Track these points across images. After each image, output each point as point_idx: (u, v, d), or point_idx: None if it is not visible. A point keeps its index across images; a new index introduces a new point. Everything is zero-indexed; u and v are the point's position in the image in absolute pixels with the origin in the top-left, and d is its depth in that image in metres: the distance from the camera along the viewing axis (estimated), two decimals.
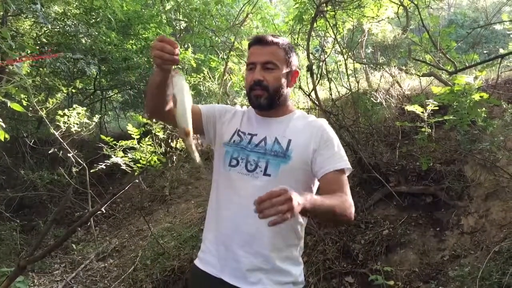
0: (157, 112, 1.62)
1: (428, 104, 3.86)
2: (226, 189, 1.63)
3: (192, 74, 7.17)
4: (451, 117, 3.58)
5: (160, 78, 1.44)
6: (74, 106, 5.14)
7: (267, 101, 1.58)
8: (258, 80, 1.55)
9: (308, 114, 1.74)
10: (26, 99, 4.96)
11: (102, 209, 3.12)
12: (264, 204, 1.14)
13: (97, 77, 8.63)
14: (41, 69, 7.03)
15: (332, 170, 1.53)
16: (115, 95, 10.65)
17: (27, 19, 7.24)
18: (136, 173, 4.30)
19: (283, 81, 1.60)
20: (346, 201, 1.48)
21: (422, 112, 3.98)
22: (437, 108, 3.88)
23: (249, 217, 1.49)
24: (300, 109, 1.81)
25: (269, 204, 1.13)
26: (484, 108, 3.64)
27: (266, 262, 1.53)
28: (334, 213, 1.41)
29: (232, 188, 1.60)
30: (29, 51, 4.18)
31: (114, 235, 5.85)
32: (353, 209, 1.49)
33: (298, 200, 1.19)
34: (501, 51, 5.55)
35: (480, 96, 3.38)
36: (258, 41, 1.60)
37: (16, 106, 3.03)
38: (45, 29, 7.33)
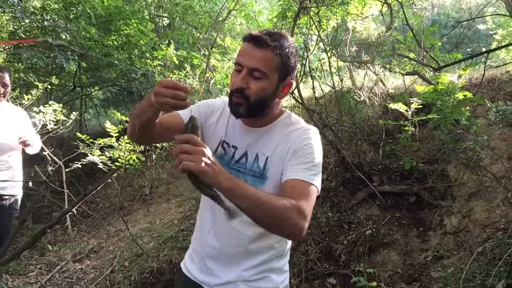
0: (141, 141, 1.55)
1: (412, 103, 3.82)
2: (207, 204, 1.57)
3: (174, 71, 7.08)
4: (434, 116, 3.54)
5: (152, 115, 1.37)
6: (50, 102, 4.98)
7: (245, 111, 1.40)
8: (240, 88, 1.37)
9: (298, 117, 1.58)
10: None
11: (74, 210, 3.00)
12: (182, 147, 1.14)
13: (77, 73, 8.44)
14: (16, 64, 6.83)
15: (294, 178, 1.37)
16: (96, 92, 10.45)
17: (4, 13, 7.03)
18: (114, 172, 4.19)
19: (270, 92, 1.40)
20: (288, 203, 1.25)
21: (406, 110, 3.94)
22: (420, 106, 3.85)
23: (228, 238, 1.51)
24: (283, 107, 1.66)
25: (179, 149, 1.13)
26: (467, 107, 3.61)
27: (243, 278, 1.51)
28: (262, 207, 1.21)
29: (212, 206, 1.50)
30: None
31: (92, 236, 5.70)
32: (300, 220, 1.25)
33: (215, 168, 1.16)
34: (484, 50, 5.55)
35: (463, 95, 3.35)
36: (252, 40, 1.37)
37: None
38: (23, 23, 7.14)
